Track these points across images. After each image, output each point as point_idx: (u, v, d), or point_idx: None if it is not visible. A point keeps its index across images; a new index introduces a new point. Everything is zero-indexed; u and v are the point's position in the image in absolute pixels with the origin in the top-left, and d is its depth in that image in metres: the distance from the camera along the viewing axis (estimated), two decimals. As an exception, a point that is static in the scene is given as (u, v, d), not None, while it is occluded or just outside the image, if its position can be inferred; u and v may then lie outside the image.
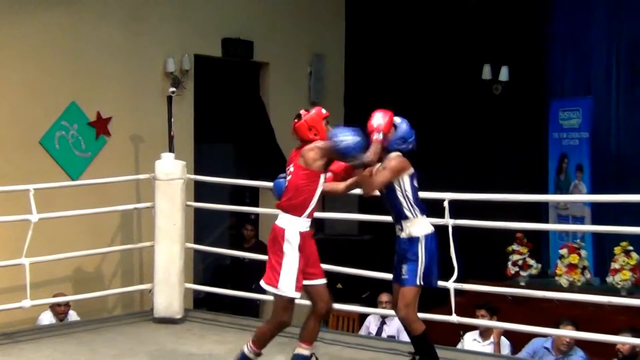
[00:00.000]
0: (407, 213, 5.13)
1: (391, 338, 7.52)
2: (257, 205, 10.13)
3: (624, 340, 6.23)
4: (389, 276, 5.36)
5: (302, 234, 5.02)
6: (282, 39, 10.44)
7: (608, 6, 9.64)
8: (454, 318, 6.14)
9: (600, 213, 8.79)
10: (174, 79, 9.22)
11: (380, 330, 7.87)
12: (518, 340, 7.27)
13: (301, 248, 5.00)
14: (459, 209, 6.09)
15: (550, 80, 10.11)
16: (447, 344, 6.36)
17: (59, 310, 7.76)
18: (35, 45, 8.34)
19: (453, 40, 10.27)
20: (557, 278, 8.74)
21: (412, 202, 5.13)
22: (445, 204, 6.00)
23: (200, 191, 8.77)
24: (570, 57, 9.93)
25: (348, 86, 11.23)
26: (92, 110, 8.76)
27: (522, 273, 8.94)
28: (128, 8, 9.05)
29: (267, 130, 10.26)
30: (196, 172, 8.57)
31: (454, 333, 7.23)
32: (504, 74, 9.95)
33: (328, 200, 5.21)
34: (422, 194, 5.28)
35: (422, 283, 5.11)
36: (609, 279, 8.38)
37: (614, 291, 8.12)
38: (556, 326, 6.56)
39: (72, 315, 7.88)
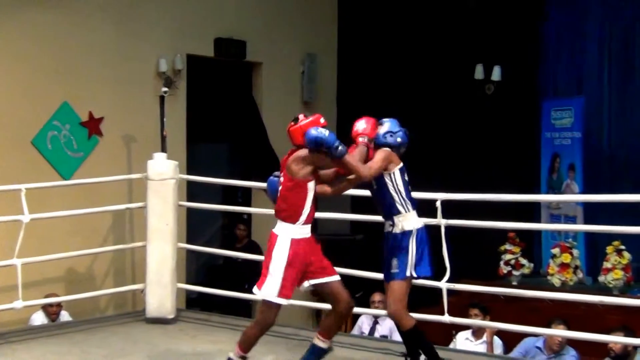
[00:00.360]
0: (400, 208, 5.12)
1: (384, 338, 7.52)
2: (249, 205, 10.13)
3: (616, 340, 6.24)
4: (381, 276, 5.35)
5: (297, 241, 5.02)
6: (274, 38, 10.43)
7: (600, 6, 9.66)
8: (446, 318, 6.14)
9: (593, 212, 8.80)
10: (166, 79, 9.20)
11: (372, 330, 7.86)
12: (510, 340, 7.28)
13: (294, 255, 4.99)
14: (452, 209, 6.09)
15: (542, 80, 10.13)
16: (440, 344, 6.34)
17: (51, 311, 7.74)
18: (27, 46, 8.31)
19: (445, 40, 10.27)
20: (549, 277, 8.77)
21: (404, 196, 5.13)
22: (438, 204, 6.00)
23: (193, 191, 8.76)
24: (563, 56, 9.95)
25: (341, 86, 11.22)
26: (84, 110, 8.73)
27: (515, 272, 8.96)
28: (120, 8, 9.03)
29: (259, 130, 10.25)
30: (189, 172, 8.57)
31: (447, 333, 7.24)
32: (496, 74, 9.94)
33: (320, 200, 5.18)
34: (415, 194, 5.27)
35: (413, 274, 5.10)
36: (601, 278, 8.41)
37: (606, 290, 8.15)
38: (548, 325, 6.58)
39: (65, 316, 7.86)
